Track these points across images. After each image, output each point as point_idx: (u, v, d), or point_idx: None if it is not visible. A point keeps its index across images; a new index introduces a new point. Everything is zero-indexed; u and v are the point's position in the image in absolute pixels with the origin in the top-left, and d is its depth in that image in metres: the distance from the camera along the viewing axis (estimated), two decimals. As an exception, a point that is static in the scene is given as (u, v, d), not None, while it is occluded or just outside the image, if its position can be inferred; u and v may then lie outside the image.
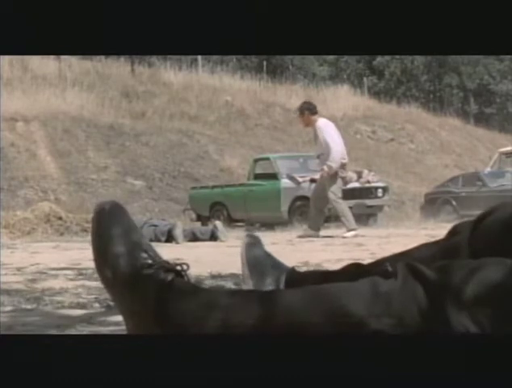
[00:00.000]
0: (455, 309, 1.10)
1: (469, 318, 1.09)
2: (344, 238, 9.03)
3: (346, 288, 1.19)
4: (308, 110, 9.65)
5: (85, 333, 2.38)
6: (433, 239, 1.41)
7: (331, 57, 38.13)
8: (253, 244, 1.62)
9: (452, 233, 1.31)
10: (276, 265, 1.58)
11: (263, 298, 1.26)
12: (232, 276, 4.14)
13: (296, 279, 1.52)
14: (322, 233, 9.47)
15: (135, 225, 1.35)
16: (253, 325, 1.20)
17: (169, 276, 1.30)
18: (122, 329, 2.43)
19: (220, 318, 1.24)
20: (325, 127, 9.62)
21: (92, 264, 4.89)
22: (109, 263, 1.30)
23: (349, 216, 9.50)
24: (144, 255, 1.31)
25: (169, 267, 1.31)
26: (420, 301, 1.12)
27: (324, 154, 9.38)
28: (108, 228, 1.30)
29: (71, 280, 4.18)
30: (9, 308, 3.04)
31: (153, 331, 1.32)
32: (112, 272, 1.30)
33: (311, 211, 9.75)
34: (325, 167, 9.30)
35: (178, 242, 8.71)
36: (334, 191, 9.40)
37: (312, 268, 4.34)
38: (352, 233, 9.29)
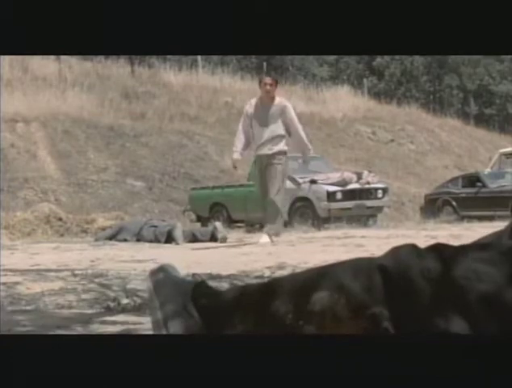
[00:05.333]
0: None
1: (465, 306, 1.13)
2: (259, 242, 7.66)
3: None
4: (277, 83, 8.10)
5: (84, 333, 2.38)
6: (433, 240, 1.43)
7: (331, 58, 38.16)
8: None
9: None
10: None
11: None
12: (232, 276, 4.14)
13: None
14: (322, 234, 9.27)
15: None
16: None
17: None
18: (122, 329, 2.43)
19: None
20: (292, 109, 8.20)
21: (91, 264, 4.86)
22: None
23: (281, 218, 8.19)
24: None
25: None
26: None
27: (291, 136, 8.12)
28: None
29: (71, 281, 4.18)
30: (9, 308, 3.04)
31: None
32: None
33: (269, 205, 8.20)
34: (306, 152, 8.37)
35: (177, 243, 8.70)
36: (282, 183, 8.27)
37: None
38: (268, 240, 7.74)
